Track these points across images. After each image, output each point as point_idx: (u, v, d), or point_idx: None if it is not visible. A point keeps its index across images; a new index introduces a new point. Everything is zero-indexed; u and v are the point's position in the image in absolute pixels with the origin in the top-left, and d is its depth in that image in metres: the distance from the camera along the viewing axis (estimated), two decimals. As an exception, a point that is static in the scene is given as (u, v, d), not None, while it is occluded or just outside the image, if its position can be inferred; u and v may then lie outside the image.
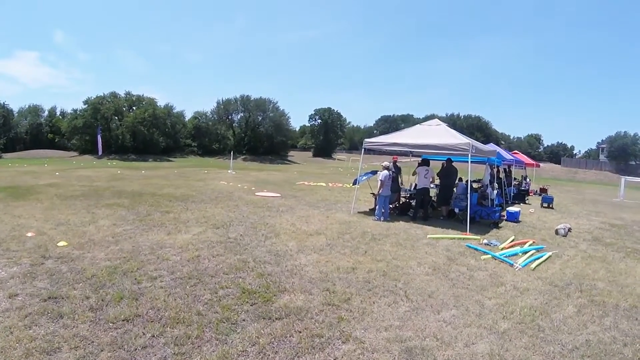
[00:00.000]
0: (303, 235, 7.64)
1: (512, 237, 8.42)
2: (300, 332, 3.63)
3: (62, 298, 4.12)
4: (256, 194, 13.99)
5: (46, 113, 73.71)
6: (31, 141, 65.01)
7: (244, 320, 3.82)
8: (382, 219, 9.73)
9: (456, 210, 10.65)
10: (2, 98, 71.95)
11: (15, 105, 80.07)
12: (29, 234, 6.75)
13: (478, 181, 14.29)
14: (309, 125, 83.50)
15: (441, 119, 13.60)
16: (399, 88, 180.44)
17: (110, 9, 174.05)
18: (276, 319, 3.88)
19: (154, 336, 3.42)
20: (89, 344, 3.22)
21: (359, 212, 10.69)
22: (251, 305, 4.17)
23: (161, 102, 61.03)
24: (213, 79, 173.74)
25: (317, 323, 3.83)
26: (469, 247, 7.36)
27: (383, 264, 5.97)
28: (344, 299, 4.46)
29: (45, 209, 9.41)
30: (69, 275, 4.84)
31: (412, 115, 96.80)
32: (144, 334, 3.44)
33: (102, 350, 3.13)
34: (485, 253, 6.90)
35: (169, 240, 6.72)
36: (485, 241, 7.85)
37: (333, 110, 78.77)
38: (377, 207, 10.06)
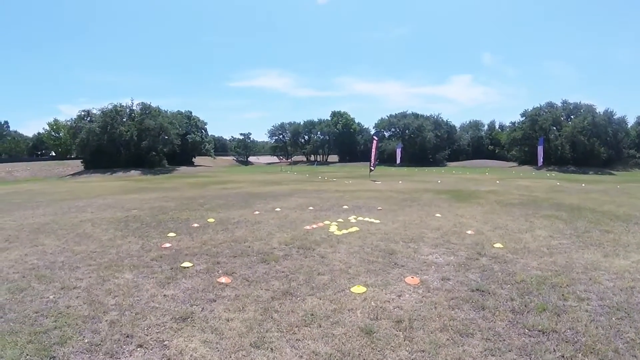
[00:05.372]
0: None
1: None
2: None
3: (488, 293, 4.51)
4: None
5: (485, 127, 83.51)
6: (472, 152, 75.95)
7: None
8: None
9: None
10: (445, 116, 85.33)
11: (456, 122, 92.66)
12: (469, 232, 7.92)
13: None
14: None
15: None
16: None
17: (534, 24, 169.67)
18: None
19: (563, 357, 3.20)
20: (501, 341, 3.43)
21: None
22: None
23: (599, 109, 54.32)
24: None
25: None
26: None
27: None
28: None
29: (484, 212, 10.66)
30: (499, 275, 5.18)
31: None
32: (554, 350, 3.29)
33: (510, 351, 3.27)
34: None
35: (604, 263, 5.84)
36: None
37: None
38: None
